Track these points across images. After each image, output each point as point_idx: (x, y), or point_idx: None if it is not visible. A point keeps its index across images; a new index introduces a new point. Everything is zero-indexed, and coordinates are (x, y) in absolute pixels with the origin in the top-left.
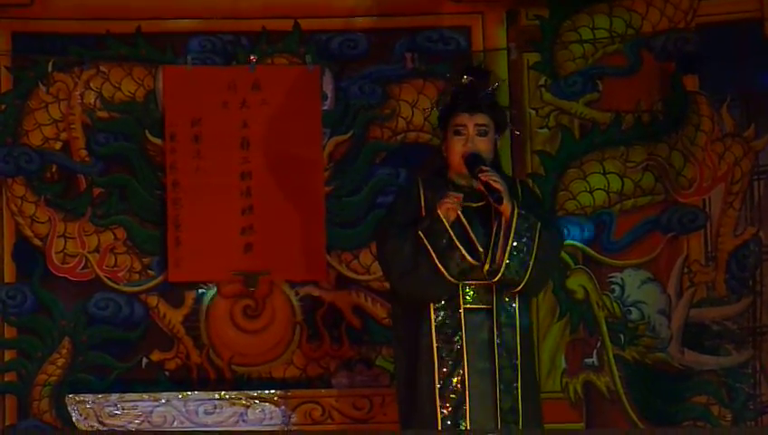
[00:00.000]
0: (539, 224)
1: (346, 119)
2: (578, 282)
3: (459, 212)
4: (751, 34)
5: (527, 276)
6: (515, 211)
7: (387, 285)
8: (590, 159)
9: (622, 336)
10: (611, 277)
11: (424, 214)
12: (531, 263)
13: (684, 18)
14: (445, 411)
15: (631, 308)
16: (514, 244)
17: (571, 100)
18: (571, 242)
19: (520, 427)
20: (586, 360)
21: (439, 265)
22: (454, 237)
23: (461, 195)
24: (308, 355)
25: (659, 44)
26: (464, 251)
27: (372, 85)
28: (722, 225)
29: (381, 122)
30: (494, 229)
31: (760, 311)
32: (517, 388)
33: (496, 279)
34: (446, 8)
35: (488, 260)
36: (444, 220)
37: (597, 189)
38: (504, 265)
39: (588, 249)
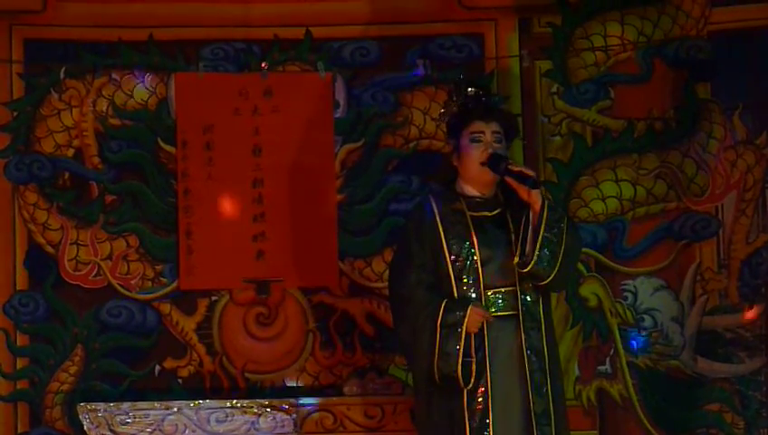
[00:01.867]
0: (566, 217)
1: (358, 126)
2: (591, 289)
3: (475, 238)
4: (763, 42)
5: (557, 268)
6: (546, 203)
7: None
8: (602, 166)
9: (635, 344)
10: (624, 285)
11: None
12: (560, 255)
13: (696, 26)
14: (473, 424)
15: (644, 316)
16: (547, 234)
17: (584, 107)
18: (584, 249)
19: (553, 431)
20: (599, 367)
21: (435, 367)
22: (461, 346)
23: (492, 318)
24: (321, 363)
25: (671, 52)
26: (460, 373)
27: (384, 93)
28: (734, 232)
29: (393, 130)
30: (523, 221)
31: None
32: (548, 391)
33: (527, 270)
34: (458, 15)
35: (518, 252)
36: (465, 332)
37: (609, 197)
38: (536, 255)
39: (601, 257)
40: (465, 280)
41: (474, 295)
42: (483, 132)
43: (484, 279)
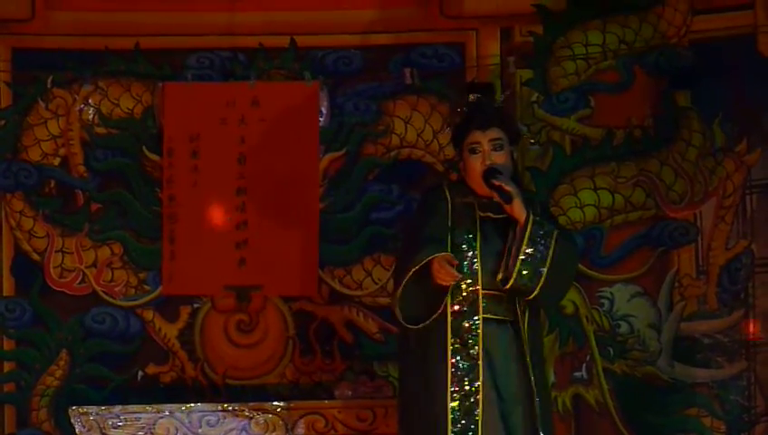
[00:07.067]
0: (555, 232)
1: (340, 135)
2: (567, 297)
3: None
4: (744, 50)
5: (540, 284)
6: (530, 218)
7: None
8: (580, 174)
9: (611, 350)
10: (601, 292)
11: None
12: (545, 271)
13: (677, 34)
14: (457, 415)
15: (620, 322)
16: (528, 250)
17: (563, 116)
18: None
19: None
20: (575, 373)
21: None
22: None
23: (459, 276)
24: (300, 369)
25: (652, 60)
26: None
27: (367, 102)
28: (713, 238)
29: (375, 139)
30: (510, 236)
31: (752, 324)
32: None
33: (508, 286)
34: (440, 25)
35: (502, 268)
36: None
37: (587, 205)
38: (516, 271)
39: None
40: (464, 271)
41: (469, 289)
42: (479, 142)
43: (481, 277)
